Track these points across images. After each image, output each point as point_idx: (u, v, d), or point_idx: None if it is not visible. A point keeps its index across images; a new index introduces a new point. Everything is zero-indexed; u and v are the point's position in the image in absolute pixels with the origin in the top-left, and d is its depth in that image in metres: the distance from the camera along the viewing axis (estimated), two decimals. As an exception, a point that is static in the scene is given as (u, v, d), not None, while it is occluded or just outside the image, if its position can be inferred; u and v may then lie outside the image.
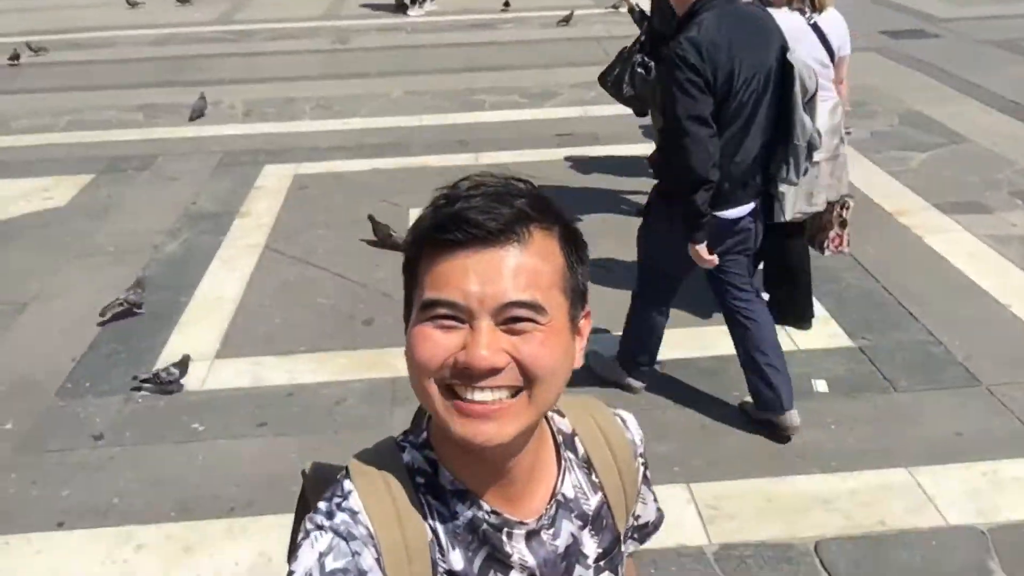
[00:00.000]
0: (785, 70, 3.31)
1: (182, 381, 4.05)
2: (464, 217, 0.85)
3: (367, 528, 0.90)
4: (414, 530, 0.92)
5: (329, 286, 5.05)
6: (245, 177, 6.77)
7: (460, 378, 0.85)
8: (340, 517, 0.90)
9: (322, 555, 0.87)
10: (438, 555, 0.93)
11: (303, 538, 0.90)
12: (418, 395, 0.90)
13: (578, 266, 0.92)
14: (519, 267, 0.85)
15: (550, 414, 1.04)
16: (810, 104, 3.40)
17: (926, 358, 4.17)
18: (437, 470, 0.96)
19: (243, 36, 12.09)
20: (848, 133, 4.79)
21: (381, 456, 0.97)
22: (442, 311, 0.85)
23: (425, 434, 0.98)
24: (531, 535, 0.96)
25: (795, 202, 3.69)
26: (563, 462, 1.02)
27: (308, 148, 7.37)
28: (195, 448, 3.71)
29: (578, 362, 0.94)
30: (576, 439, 1.06)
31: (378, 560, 0.89)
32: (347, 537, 0.89)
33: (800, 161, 3.40)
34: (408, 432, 1.01)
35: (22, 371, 4.30)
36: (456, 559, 0.93)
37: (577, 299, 0.92)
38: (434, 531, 0.93)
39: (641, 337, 3.83)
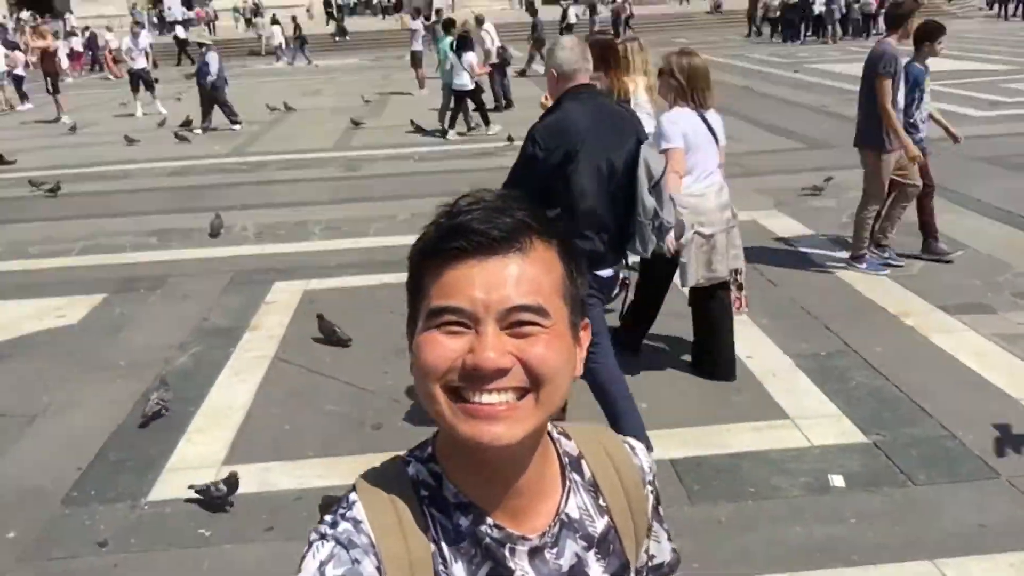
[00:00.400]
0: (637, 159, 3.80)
1: (230, 499, 3.96)
2: (468, 227, 0.89)
3: (369, 537, 0.92)
4: (417, 542, 0.93)
5: (338, 393, 5.05)
6: (256, 294, 6.88)
7: (467, 381, 0.87)
8: (343, 526, 0.93)
9: (323, 563, 0.90)
10: (441, 568, 0.93)
11: (307, 549, 0.93)
12: (426, 403, 0.92)
13: (577, 276, 0.96)
14: (522, 274, 0.89)
15: (556, 436, 1.05)
16: (656, 188, 3.80)
17: (942, 452, 4.11)
18: (441, 483, 0.97)
19: (256, 167, 12.52)
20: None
21: (386, 471, 1.00)
22: (449, 317, 0.88)
23: (430, 448, 1.00)
24: (534, 553, 0.97)
25: (696, 270, 4.63)
26: (568, 483, 1.02)
27: (318, 266, 7.52)
28: (202, 554, 3.63)
29: (578, 371, 0.97)
30: (582, 462, 1.06)
31: (379, 568, 0.90)
32: (348, 545, 0.91)
33: (646, 236, 3.85)
34: (414, 449, 1.03)
35: (28, 481, 4.25)
36: (459, 572, 0.94)
37: (576, 307, 0.96)
38: (437, 544, 0.94)
39: None
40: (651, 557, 1.14)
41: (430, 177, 11.04)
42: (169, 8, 44.11)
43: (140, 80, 18.80)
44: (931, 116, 6.77)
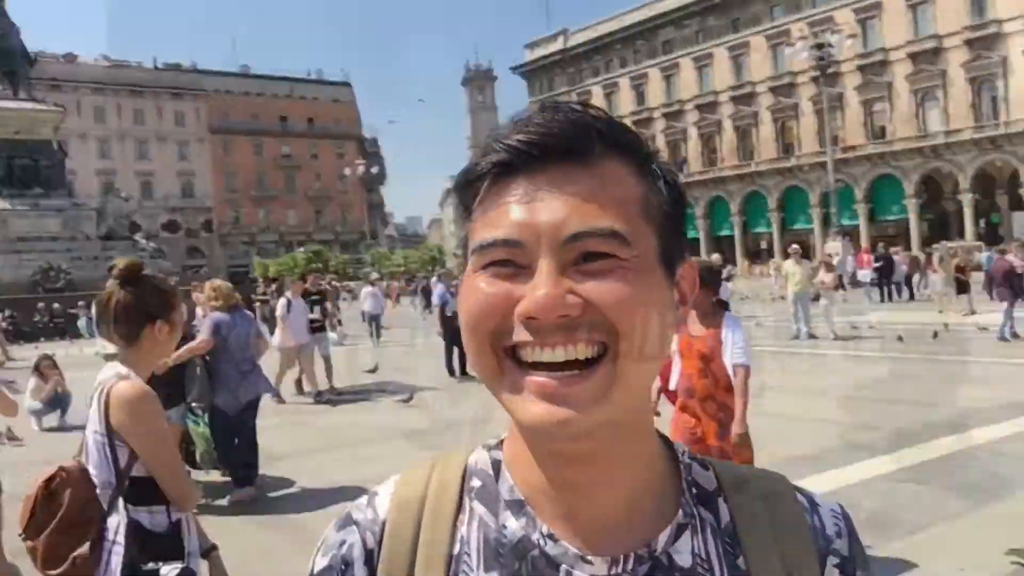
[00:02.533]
0: None
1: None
2: (519, 134, 0.70)
3: (376, 512, 0.78)
4: (439, 528, 0.76)
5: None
6: None
7: (523, 336, 0.67)
8: (359, 501, 0.81)
9: (318, 550, 0.79)
10: (464, 570, 0.73)
11: None
12: (478, 372, 0.72)
13: (666, 197, 0.73)
14: (589, 191, 0.69)
15: (682, 454, 0.79)
16: None
17: None
18: (499, 474, 0.77)
19: None
20: None
21: (451, 455, 0.82)
22: (496, 255, 0.69)
23: (507, 434, 0.79)
24: None
25: None
26: (685, 516, 0.75)
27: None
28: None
29: (679, 325, 0.74)
30: (719, 500, 0.78)
31: (373, 550, 0.76)
32: (343, 526, 0.78)
33: None
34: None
35: None
36: None
37: (672, 237, 0.73)
38: (466, 542, 0.75)
39: None
40: None
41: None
42: None
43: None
44: None
